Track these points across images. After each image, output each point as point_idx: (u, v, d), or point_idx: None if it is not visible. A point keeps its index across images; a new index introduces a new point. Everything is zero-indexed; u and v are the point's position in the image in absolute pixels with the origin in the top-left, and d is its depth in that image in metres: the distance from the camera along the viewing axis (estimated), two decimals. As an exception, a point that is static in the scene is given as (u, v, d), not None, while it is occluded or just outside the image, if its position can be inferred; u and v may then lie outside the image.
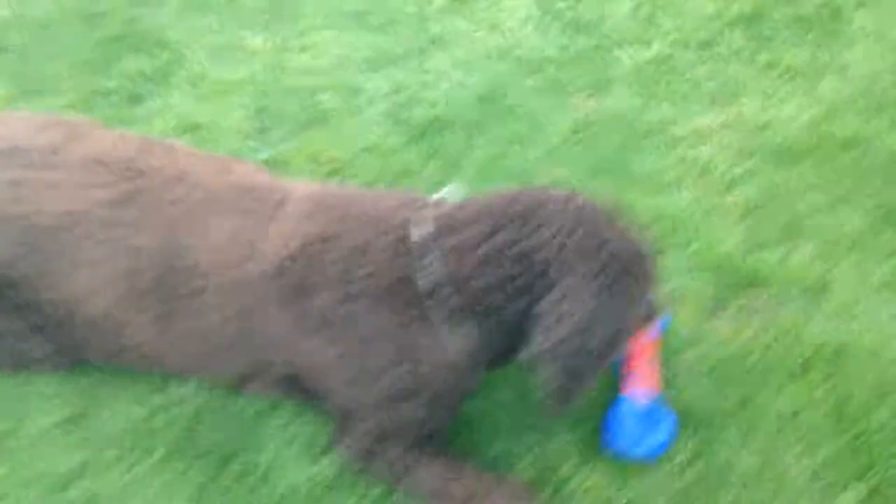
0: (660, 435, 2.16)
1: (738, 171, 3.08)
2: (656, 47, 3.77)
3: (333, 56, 3.84)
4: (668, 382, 2.33)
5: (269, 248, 2.06)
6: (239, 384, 2.30)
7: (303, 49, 3.90)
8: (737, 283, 2.65)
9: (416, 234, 1.93)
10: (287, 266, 2.02)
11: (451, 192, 2.12)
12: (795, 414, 2.27)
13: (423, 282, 1.90)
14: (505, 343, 1.92)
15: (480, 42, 3.87)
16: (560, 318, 1.79)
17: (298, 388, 2.23)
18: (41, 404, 2.34)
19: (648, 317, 2.03)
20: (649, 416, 2.17)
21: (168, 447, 2.22)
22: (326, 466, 2.18)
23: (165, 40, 3.96)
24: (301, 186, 2.25)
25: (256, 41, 3.94)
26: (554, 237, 1.80)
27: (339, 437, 2.17)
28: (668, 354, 2.43)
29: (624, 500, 2.09)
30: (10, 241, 2.17)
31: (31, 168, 2.19)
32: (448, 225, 1.92)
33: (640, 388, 2.21)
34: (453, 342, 1.94)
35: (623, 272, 1.81)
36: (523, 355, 1.87)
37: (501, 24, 3.98)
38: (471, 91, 3.56)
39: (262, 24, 4.04)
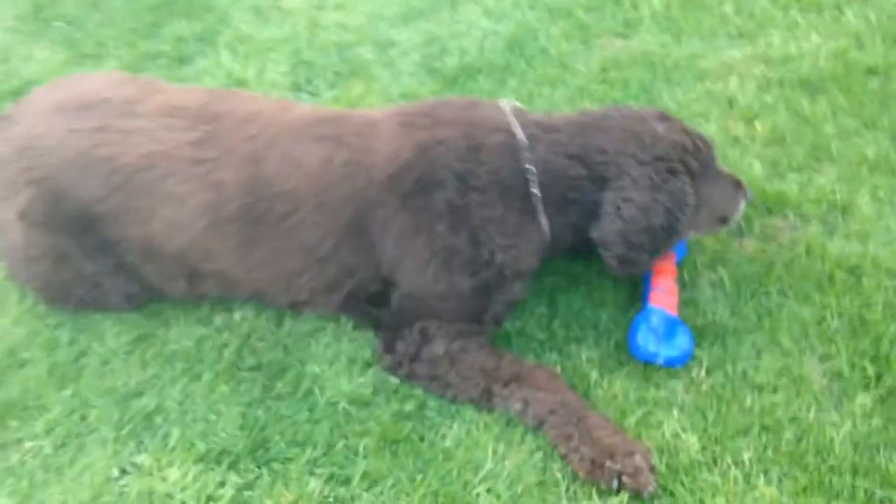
0: (681, 343, 2.26)
1: (764, 100, 3.15)
2: (687, -15, 3.82)
3: (366, 13, 3.98)
4: (691, 299, 2.44)
5: (379, 163, 2.29)
6: (304, 303, 2.50)
7: (337, 7, 4.05)
8: (762, 206, 2.73)
9: (521, 134, 2.27)
10: (405, 171, 2.26)
11: (508, 103, 2.42)
12: (817, 323, 2.35)
13: (530, 174, 2.25)
14: (580, 229, 2.30)
15: (509, -9, 3.97)
16: (625, 201, 2.20)
17: (359, 306, 2.44)
18: (111, 327, 2.56)
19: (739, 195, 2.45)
20: (671, 328, 2.28)
21: (224, 363, 2.41)
22: (367, 381, 2.34)
23: (211, 4, 4.14)
24: (374, 111, 2.53)
25: (293, 2, 4.10)
26: (618, 138, 2.25)
27: (388, 347, 2.35)
28: (693, 273, 2.53)
29: (643, 408, 2.20)
30: (97, 182, 2.37)
31: (114, 117, 2.41)
32: (545, 127, 2.31)
33: (665, 302, 2.33)
34: (549, 228, 2.30)
35: (678, 163, 2.24)
36: (594, 232, 2.26)
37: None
38: (500, 38, 3.67)
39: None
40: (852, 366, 2.23)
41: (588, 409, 2.15)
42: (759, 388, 2.22)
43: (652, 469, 2.02)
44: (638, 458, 2.01)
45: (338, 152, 2.34)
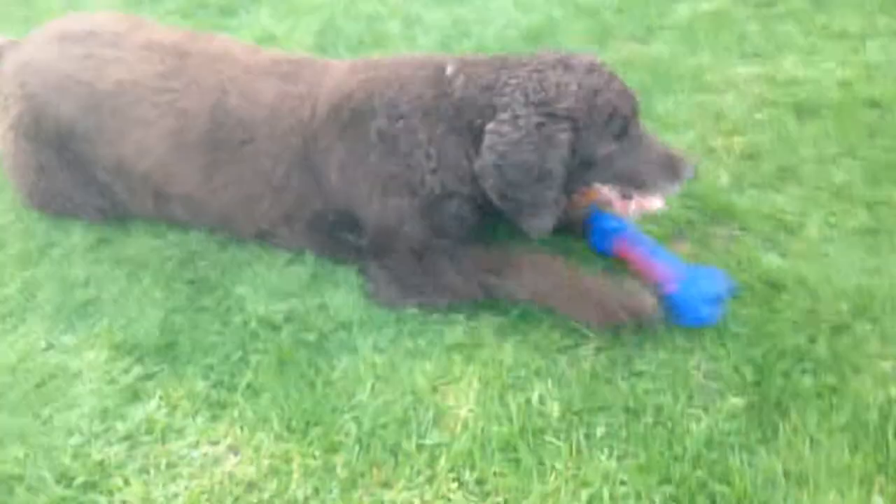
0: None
1: (753, 118, 3.14)
2: (717, 2, 3.81)
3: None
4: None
5: (323, 96, 2.49)
6: (267, 233, 2.70)
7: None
8: (712, 214, 2.74)
9: (449, 69, 2.41)
10: (344, 102, 2.45)
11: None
12: (716, 326, 2.35)
13: (454, 100, 2.38)
14: None
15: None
16: (500, 135, 2.27)
17: (323, 235, 2.63)
18: (80, 227, 2.84)
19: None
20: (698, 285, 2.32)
21: (164, 273, 2.64)
22: (281, 309, 2.51)
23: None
24: (335, 60, 2.72)
25: (344, -28, 4.33)
26: (523, 77, 2.31)
27: (374, 268, 2.54)
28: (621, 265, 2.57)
29: (522, 371, 2.28)
30: (76, 102, 2.67)
31: (99, 46, 2.71)
32: (469, 62, 2.45)
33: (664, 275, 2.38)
34: (467, 154, 2.39)
35: (562, 110, 2.26)
36: (475, 165, 2.34)
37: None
38: (521, 28, 3.78)
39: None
40: (735, 369, 2.23)
41: (581, 274, 2.42)
42: (638, 375, 2.25)
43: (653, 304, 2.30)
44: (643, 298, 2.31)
45: (292, 88, 2.54)
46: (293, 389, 2.27)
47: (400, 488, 2.04)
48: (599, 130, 2.30)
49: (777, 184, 2.83)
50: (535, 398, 2.20)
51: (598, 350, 2.32)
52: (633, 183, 2.40)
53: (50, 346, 2.45)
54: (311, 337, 2.43)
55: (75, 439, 2.19)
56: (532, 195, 2.30)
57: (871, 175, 2.82)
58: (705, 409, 2.16)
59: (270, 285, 2.60)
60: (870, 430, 2.06)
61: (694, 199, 2.78)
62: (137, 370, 2.35)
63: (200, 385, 2.30)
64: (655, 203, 2.45)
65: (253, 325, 2.47)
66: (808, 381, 2.19)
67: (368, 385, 2.27)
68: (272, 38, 3.85)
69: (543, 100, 2.28)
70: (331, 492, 2.04)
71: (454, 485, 2.03)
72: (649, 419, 2.14)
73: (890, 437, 2.04)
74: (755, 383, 2.19)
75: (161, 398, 2.28)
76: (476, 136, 2.35)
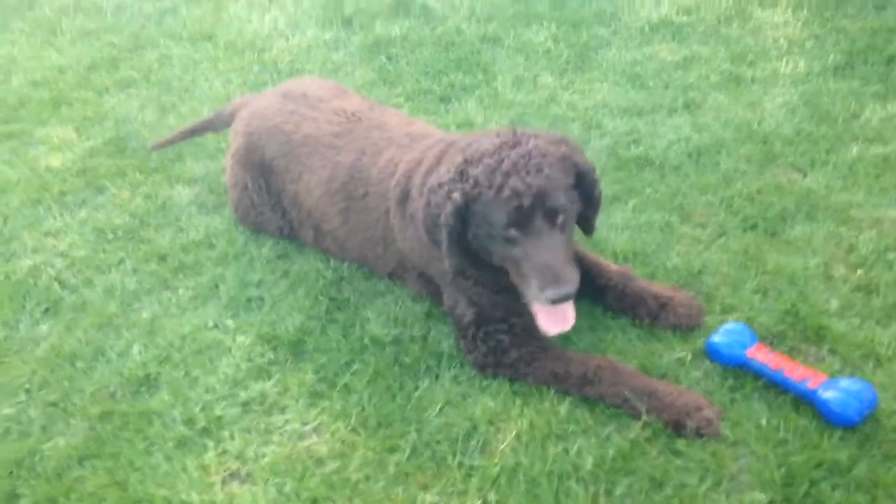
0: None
1: (886, 257, 3.15)
2: (892, 146, 3.85)
3: (596, 100, 4.62)
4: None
5: (401, 168, 3.00)
6: (395, 276, 3.23)
7: (576, 91, 4.74)
8: (807, 333, 2.81)
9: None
10: (399, 181, 2.95)
11: None
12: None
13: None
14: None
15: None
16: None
17: (432, 286, 3.05)
18: (269, 244, 3.56)
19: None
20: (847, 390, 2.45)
21: (317, 287, 3.28)
22: (390, 333, 2.99)
23: (487, 67, 5.10)
24: (441, 133, 3.22)
25: (547, 79, 4.88)
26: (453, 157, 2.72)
27: (468, 348, 2.83)
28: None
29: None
30: (277, 145, 3.41)
31: (304, 106, 3.46)
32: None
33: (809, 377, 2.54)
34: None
35: (458, 191, 2.56)
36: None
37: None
38: (689, 145, 4.05)
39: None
40: (770, 470, 2.33)
41: (653, 382, 2.59)
42: (675, 453, 2.42)
43: (718, 415, 2.49)
44: (706, 412, 2.47)
45: (395, 158, 3.06)
46: (377, 397, 2.72)
47: (434, 493, 2.40)
48: (498, 207, 2.49)
49: (884, 319, 2.85)
50: (573, 450, 2.46)
51: (647, 426, 2.52)
52: (520, 273, 2.55)
53: (215, 326, 3.11)
54: (408, 359, 2.87)
55: (208, 396, 2.79)
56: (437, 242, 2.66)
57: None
58: (727, 496, 2.29)
59: (391, 313, 3.09)
60: (881, 554, 2.09)
61: (794, 316, 2.88)
62: (270, 355, 2.93)
63: (310, 377, 2.82)
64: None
65: (366, 340, 2.96)
66: (837, 495, 2.25)
67: (438, 407, 2.66)
68: (470, 124, 4.43)
69: (462, 160, 2.59)
70: (378, 481, 2.45)
71: (478, 501, 2.35)
72: (669, 492, 2.32)
73: (900, 563, 2.06)
74: (784, 484, 2.29)
75: (279, 380, 2.83)
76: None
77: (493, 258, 2.63)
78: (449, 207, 2.56)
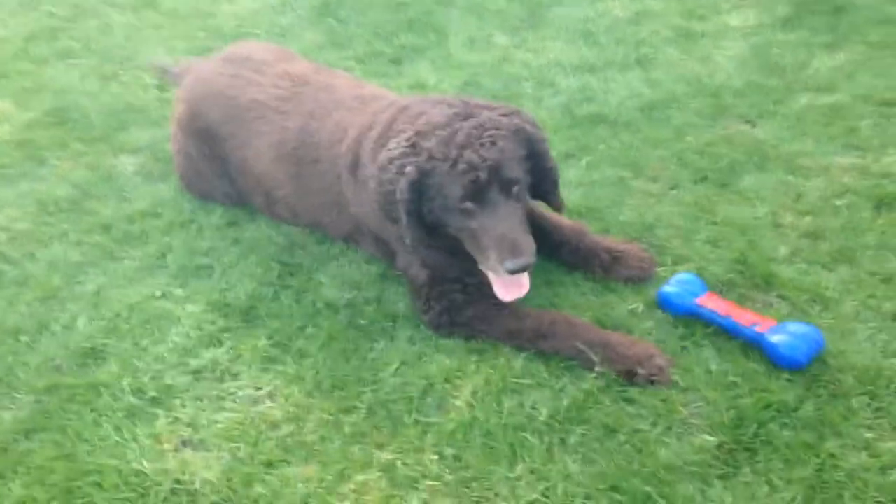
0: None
1: (831, 203, 3.19)
2: (838, 96, 3.89)
3: (549, 59, 4.58)
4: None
5: (351, 133, 2.94)
6: (350, 239, 3.18)
7: (530, 49, 4.69)
8: (755, 280, 2.83)
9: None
10: (350, 147, 2.90)
11: None
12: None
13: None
14: None
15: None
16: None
17: (386, 248, 3.00)
18: (220, 211, 3.49)
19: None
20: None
21: (269, 252, 3.22)
22: (340, 295, 2.95)
23: (439, 27, 5.05)
24: (393, 96, 3.12)
25: (501, 39, 4.82)
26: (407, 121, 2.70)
27: (422, 309, 2.80)
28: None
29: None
30: (221, 110, 3.33)
31: (248, 70, 3.36)
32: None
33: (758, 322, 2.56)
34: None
35: (412, 156, 2.53)
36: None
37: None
38: (642, 101, 4.05)
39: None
40: (720, 413, 2.36)
41: (606, 333, 2.60)
42: (628, 401, 2.44)
43: (669, 363, 2.50)
44: (658, 360, 2.49)
45: (343, 120, 2.99)
46: (332, 360, 2.69)
47: (390, 451, 2.38)
48: (453, 180, 2.48)
49: (830, 264, 2.88)
50: (528, 402, 2.47)
51: (600, 376, 2.53)
52: (477, 245, 2.54)
53: (163, 296, 3.04)
54: (363, 321, 2.84)
55: (157, 366, 2.74)
56: (394, 215, 2.61)
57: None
58: (678, 439, 2.31)
59: (345, 276, 3.05)
60: (830, 489, 2.13)
61: (743, 264, 2.90)
62: (220, 323, 2.88)
63: (263, 343, 2.77)
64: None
65: (319, 304, 2.92)
66: (785, 434, 2.28)
67: (394, 367, 2.64)
68: (423, 86, 4.38)
69: (413, 133, 2.56)
70: (334, 442, 2.42)
71: (434, 457, 2.34)
72: (622, 438, 2.33)
73: (846, 499, 2.10)
74: (734, 427, 2.31)
75: (230, 347, 2.78)
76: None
77: (449, 230, 2.62)
78: (403, 182, 2.52)
